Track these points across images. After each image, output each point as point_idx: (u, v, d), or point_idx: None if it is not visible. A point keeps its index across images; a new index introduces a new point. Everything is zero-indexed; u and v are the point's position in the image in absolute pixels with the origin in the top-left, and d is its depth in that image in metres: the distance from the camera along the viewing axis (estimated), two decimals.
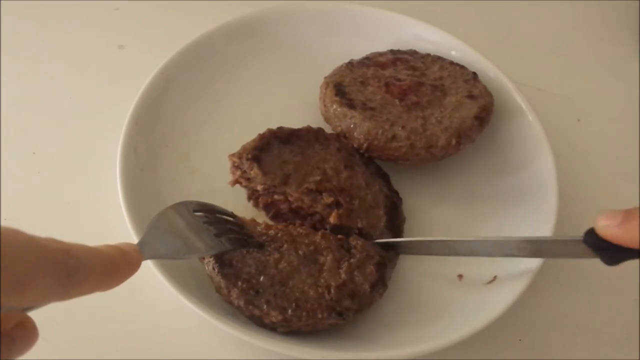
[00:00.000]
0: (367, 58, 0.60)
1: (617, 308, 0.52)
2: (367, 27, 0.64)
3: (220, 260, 0.45)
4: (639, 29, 0.74)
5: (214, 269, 0.45)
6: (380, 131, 0.52)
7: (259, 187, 0.50)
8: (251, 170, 0.49)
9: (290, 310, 0.43)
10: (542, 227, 0.50)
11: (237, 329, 0.43)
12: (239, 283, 0.44)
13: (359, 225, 0.49)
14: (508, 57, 0.65)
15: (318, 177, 0.50)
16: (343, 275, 0.46)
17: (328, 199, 0.49)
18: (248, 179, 0.50)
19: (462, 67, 0.59)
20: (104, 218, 0.52)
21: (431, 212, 0.55)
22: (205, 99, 0.60)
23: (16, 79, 0.63)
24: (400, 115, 0.53)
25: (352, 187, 0.51)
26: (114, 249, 0.32)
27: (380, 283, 0.47)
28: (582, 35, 0.75)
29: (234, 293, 0.44)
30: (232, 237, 0.45)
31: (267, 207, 0.51)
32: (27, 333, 0.31)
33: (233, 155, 0.50)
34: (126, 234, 0.47)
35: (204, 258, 0.45)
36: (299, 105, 0.57)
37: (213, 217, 0.46)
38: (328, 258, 0.46)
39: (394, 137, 0.52)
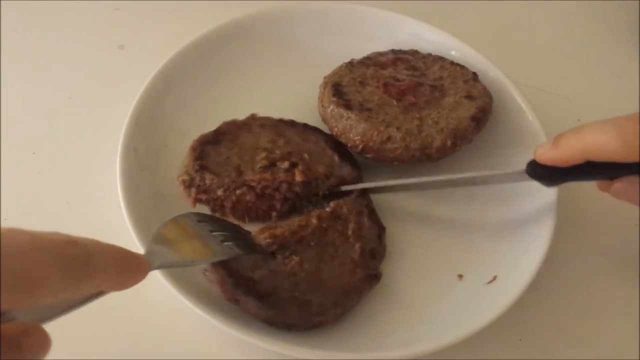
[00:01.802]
0: (368, 58, 0.60)
1: (617, 308, 0.52)
2: (368, 27, 0.64)
3: (254, 290, 0.44)
4: (639, 29, 0.74)
5: (258, 307, 0.44)
6: (376, 132, 0.52)
7: (220, 192, 0.50)
8: (205, 179, 0.50)
9: (344, 300, 0.45)
10: (542, 227, 0.50)
11: (237, 329, 0.43)
12: (289, 305, 0.44)
13: (321, 170, 0.52)
14: (508, 57, 0.65)
15: (264, 154, 0.52)
16: (356, 245, 0.48)
17: (284, 165, 0.51)
18: (205, 191, 0.50)
19: (462, 67, 0.59)
20: (104, 218, 0.52)
21: (429, 212, 0.55)
22: (206, 99, 0.60)
23: (16, 79, 0.63)
24: (397, 116, 0.53)
25: (295, 146, 0.53)
26: (122, 248, 0.31)
27: (380, 228, 0.50)
28: (582, 35, 0.75)
29: (291, 316, 0.44)
30: (240, 243, 0.45)
31: (234, 209, 0.51)
32: (35, 341, 0.29)
33: (181, 176, 0.50)
34: (126, 234, 0.47)
35: (233, 299, 0.45)
36: (299, 106, 0.57)
37: (218, 225, 0.46)
38: (334, 235, 0.48)
39: (389, 139, 0.52)
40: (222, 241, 0.44)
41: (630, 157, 0.37)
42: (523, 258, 0.49)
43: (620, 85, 0.69)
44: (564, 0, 0.78)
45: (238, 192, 0.50)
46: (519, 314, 0.47)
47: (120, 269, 0.30)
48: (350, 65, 0.59)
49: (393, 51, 0.61)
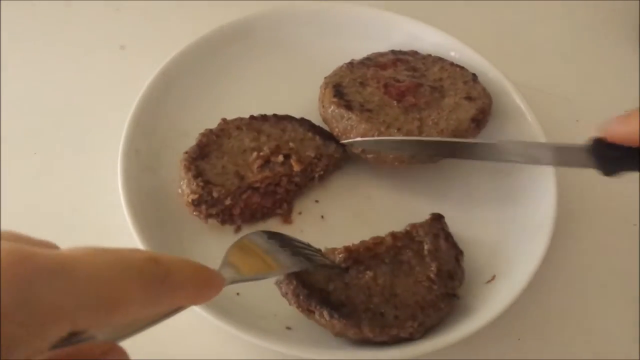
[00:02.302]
0: (368, 58, 0.60)
1: (617, 308, 0.53)
2: (368, 28, 0.64)
3: (327, 301, 0.44)
4: (639, 29, 0.74)
5: (331, 316, 0.43)
6: (376, 133, 0.52)
7: (228, 201, 0.50)
8: (212, 193, 0.49)
9: (420, 314, 0.44)
10: (542, 227, 0.50)
11: (237, 328, 0.43)
12: (362, 316, 0.44)
13: (311, 154, 0.53)
14: (507, 58, 0.65)
15: (255, 153, 0.52)
16: (432, 264, 0.47)
17: (279, 158, 0.52)
18: (214, 204, 0.50)
19: (462, 68, 0.59)
20: (106, 219, 0.52)
21: (429, 212, 0.55)
22: (206, 99, 0.60)
23: (17, 80, 0.63)
24: (397, 117, 0.53)
25: (277, 138, 0.54)
26: (199, 264, 0.31)
27: (458, 252, 0.49)
28: (582, 36, 0.75)
29: (364, 327, 0.43)
30: (309, 256, 0.45)
31: (242, 214, 0.52)
32: (117, 356, 0.30)
33: (188, 197, 0.49)
34: (128, 234, 0.47)
35: (307, 309, 0.44)
36: (299, 106, 0.57)
37: (286, 242, 0.46)
38: (409, 254, 0.48)
39: None
40: (292, 254, 0.44)
41: None
42: (522, 258, 0.49)
43: (620, 86, 0.69)
44: (563, 0, 0.78)
45: (244, 196, 0.50)
46: (518, 313, 0.48)
47: (198, 284, 0.30)
48: (351, 65, 0.59)
49: (393, 52, 0.61)
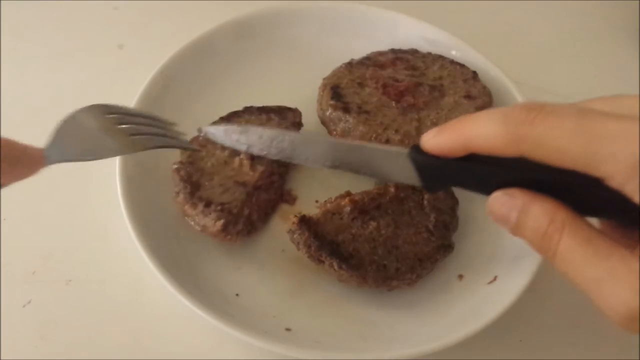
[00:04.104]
0: (367, 58, 0.60)
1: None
2: (368, 27, 0.64)
3: (337, 252, 0.46)
4: (639, 29, 0.74)
5: (340, 267, 0.46)
6: (374, 135, 0.52)
7: (246, 210, 0.49)
8: (232, 212, 0.48)
9: (418, 266, 0.47)
10: None
11: (236, 329, 0.43)
12: (368, 268, 0.46)
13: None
14: (508, 57, 0.64)
15: (236, 158, 0.51)
16: (431, 215, 0.49)
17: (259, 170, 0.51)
18: (237, 222, 0.48)
19: (462, 66, 0.59)
20: (104, 217, 0.52)
21: None
22: (205, 98, 0.60)
23: (15, 79, 0.63)
24: (395, 118, 0.53)
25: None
26: (9, 140, 0.33)
27: (454, 201, 0.51)
28: (582, 35, 0.75)
29: (369, 279, 0.46)
30: (150, 136, 0.43)
31: (259, 217, 0.51)
32: None
33: (221, 231, 0.48)
34: (126, 233, 0.47)
35: (317, 259, 0.46)
36: (298, 107, 0.57)
37: (129, 118, 0.43)
38: (410, 205, 0.50)
39: (387, 141, 0.52)
40: (131, 134, 0.42)
41: (510, 148, 0.32)
42: (523, 258, 0.48)
43: (620, 86, 0.69)
44: (564, 0, 0.78)
45: (254, 199, 0.50)
46: (520, 314, 0.47)
47: (7, 160, 0.32)
48: (350, 65, 0.58)
49: (393, 50, 0.60)
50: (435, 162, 0.36)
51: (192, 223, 0.49)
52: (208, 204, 0.48)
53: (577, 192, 0.31)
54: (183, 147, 0.46)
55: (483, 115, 0.33)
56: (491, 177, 0.35)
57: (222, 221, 0.47)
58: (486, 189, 0.35)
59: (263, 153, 0.47)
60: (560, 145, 0.30)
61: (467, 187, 0.38)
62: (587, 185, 0.30)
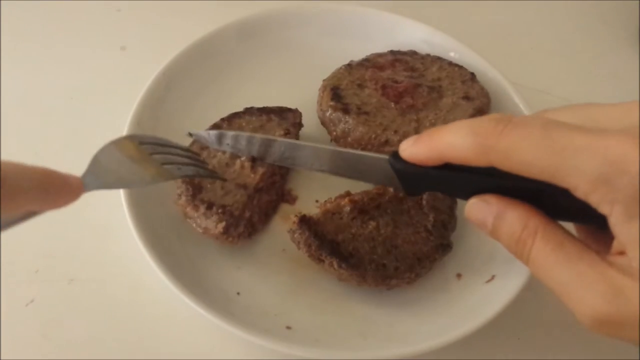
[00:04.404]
0: (367, 59, 0.60)
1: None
2: (367, 29, 0.64)
3: (337, 251, 0.47)
4: (639, 29, 0.74)
5: (340, 266, 0.46)
6: (373, 136, 0.52)
7: (247, 213, 0.49)
8: (233, 214, 0.48)
9: (417, 265, 0.47)
10: None
11: (237, 327, 0.43)
12: (367, 267, 0.46)
13: (280, 132, 0.54)
14: (507, 58, 0.65)
15: (237, 160, 0.51)
16: (430, 215, 0.50)
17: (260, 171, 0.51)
18: (238, 224, 0.49)
19: (460, 67, 0.59)
20: (106, 217, 0.52)
21: None
22: (206, 99, 0.60)
23: (17, 80, 0.63)
24: (394, 119, 0.54)
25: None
26: (49, 170, 0.34)
27: (452, 201, 0.51)
28: (582, 36, 0.75)
29: (368, 278, 0.46)
30: (181, 166, 0.45)
31: (260, 217, 0.51)
32: None
33: (222, 233, 0.48)
34: (128, 232, 0.47)
35: (317, 258, 0.47)
36: (298, 107, 0.57)
37: (161, 148, 0.46)
38: (409, 204, 0.50)
39: (386, 142, 0.52)
40: (163, 163, 0.44)
41: (479, 159, 0.32)
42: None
43: (620, 86, 0.69)
44: (563, 0, 0.78)
45: (255, 201, 0.50)
46: (518, 312, 0.47)
47: (44, 189, 0.33)
48: (349, 67, 0.59)
49: (392, 52, 0.61)
50: (413, 170, 0.37)
51: (194, 225, 0.49)
52: (210, 207, 0.48)
53: (549, 199, 0.32)
54: (209, 176, 0.48)
55: (454, 126, 0.34)
56: (467, 184, 0.35)
57: (223, 223, 0.48)
58: (464, 194, 0.36)
59: (257, 157, 0.49)
60: (526, 157, 0.31)
61: (446, 192, 0.39)
62: (557, 194, 0.31)
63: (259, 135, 0.50)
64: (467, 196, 0.36)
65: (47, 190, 0.33)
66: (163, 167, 0.44)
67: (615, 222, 0.29)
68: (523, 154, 0.31)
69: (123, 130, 0.53)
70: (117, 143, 0.43)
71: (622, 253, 0.30)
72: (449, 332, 0.45)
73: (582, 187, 0.30)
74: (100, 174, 0.39)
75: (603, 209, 0.29)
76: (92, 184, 0.37)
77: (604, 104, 0.33)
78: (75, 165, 0.58)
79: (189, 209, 0.49)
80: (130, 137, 0.45)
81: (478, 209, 0.36)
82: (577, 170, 0.29)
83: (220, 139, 0.51)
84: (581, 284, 0.31)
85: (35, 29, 0.69)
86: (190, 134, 0.53)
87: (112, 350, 0.47)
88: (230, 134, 0.51)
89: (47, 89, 0.63)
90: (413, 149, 0.37)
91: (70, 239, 0.53)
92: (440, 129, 0.35)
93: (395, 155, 0.38)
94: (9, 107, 0.61)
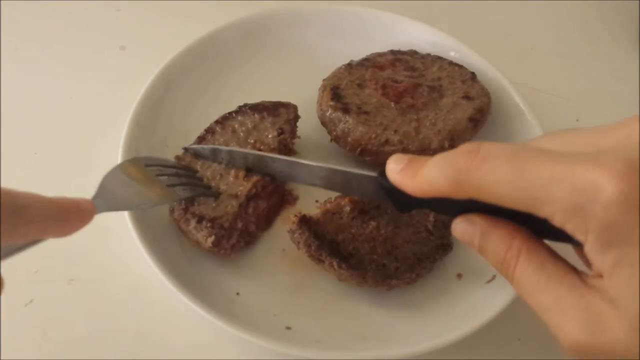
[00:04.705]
0: (367, 59, 0.60)
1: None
2: (367, 28, 0.64)
3: (337, 252, 0.47)
4: (639, 29, 0.74)
5: (340, 267, 0.46)
6: (373, 135, 0.52)
7: (239, 223, 0.49)
8: (223, 226, 0.48)
9: (417, 266, 0.47)
10: None
11: (237, 328, 0.43)
12: (367, 267, 0.46)
13: (273, 133, 0.53)
14: (507, 58, 0.65)
15: (232, 170, 0.51)
16: (430, 215, 0.50)
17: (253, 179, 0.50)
18: (230, 235, 0.48)
19: (460, 67, 0.59)
20: (105, 216, 0.52)
21: None
22: (206, 99, 0.60)
23: (17, 80, 0.63)
24: (394, 119, 0.53)
25: (237, 141, 0.53)
26: (63, 198, 0.35)
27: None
28: (582, 36, 0.75)
29: (369, 278, 0.46)
30: (186, 187, 0.47)
31: (259, 225, 0.51)
32: None
33: (212, 246, 0.47)
34: (127, 232, 0.47)
35: (317, 258, 0.47)
36: (298, 107, 0.57)
37: (165, 169, 0.48)
38: None
39: (386, 142, 0.52)
40: (168, 185, 0.46)
41: (456, 193, 0.32)
42: None
43: (620, 86, 0.69)
44: (563, 0, 0.78)
45: (250, 209, 0.50)
46: (518, 313, 0.47)
47: (60, 219, 0.34)
48: (349, 67, 0.59)
49: (392, 52, 0.61)
50: (400, 190, 0.37)
51: (187, 238, 0.49)
52: (200, 220, 0.47)
53: (533, 220, 0.31)
54: (209, 195, 0.49)
55: (434, 162, 0.34)
56: (452, 205, 0.35)
57: (212, 237, 0.47)
58: (452, 213, 0.37)
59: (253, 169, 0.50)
60: (498, 191, 0.31)
61: (435, 210, 0.41)
62: (538, 219, 0.30)
63: (253, 152, 0.50)
64: (453, 214, 0.37)
65: (64, 218, 0.35)
66: (168, 189, 0.46)
67: (590, 251, 0.29)
68: (494, 188, 0.31)
69: (122, 129, 0.52)
70: (123, 166, 0.45)
71: (602, 276, 0.29)
72: (449, 332, 0.44)
73: (557, 217, 0.29)
74: (108, 197, 0.41)
75: (578, 237, 0.29)
76: (102, 207, 0.39)
77: (584, 129, 0.32)
78: (74, 165, 0.58)
79: (181, 223, 0.48)
80: (136, 160, 0.47)
81: (463, 229, 0.36)
82: (549, 201, 0.29)
83: (214, 154, 0.51)
84: (560, 309, 0.30)
85: (35, 28, 0.69)
86: (186, 149, 0.52)
87: (112, 351, 0.47)
88: (224, 149, 0.51)
89: (47, 89, 0.63)
90: (398, 179, 0.36)
91: (69, 240, 0.52)
92: (422, 164, 0.34)
93: (383, 174, 0.38)
94: (8, 106, 0.61)
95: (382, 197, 0.40)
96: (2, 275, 0.34)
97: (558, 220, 0.29)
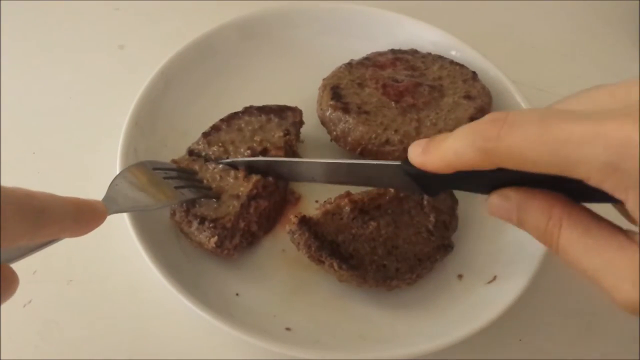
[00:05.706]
0: (367, 58, 0.60)
1: (617, 308, 0.52)
2: (368, 27, 0.64)
3: (337, 252, 0.46)
4: (639, 29, 0.74)
5: (340, 267, 0.46)
6: (374, 135, 0.52)
7: (241, 223, 0.49)
8: (225, 226, 0.47)
9: (418, 266, 0.47)
10: None
11: (236, 328, 0.43)
12: (368, 268, 0.46)
13: (279, 134, 0.53)
14: (508, 57, 0.65)
15: (233, 172, 0.51)
16: (431, 215, 0.49)
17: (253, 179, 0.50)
18: (233, 236, 0.48)
19: (461, 66, 0.59)
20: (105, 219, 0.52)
21: None
22: (205, 99, 0.60)
23: (16, 79, 0.63)
24: (395, 119, 0.53)
25: (243, 141, 0.53)
26: (78, 198, 0.36)
27: (453, 201, 0.51)
28: (582, 36, 0.75)
29: (369, 279, 0.46)
30: (192, 188, 0.48)
31: (261, 225, 0.51)
32: (5, 275, 0.33)
33: (216, 247, 0.47)
34: (126, 233, 0.47)
35: (317, 259, 0.47)
36: (298, 107, 0.57)
37: (172, 172, 0.49)
38: (410, 205, 0.50)
39: (387, 141, 0.52)
40: (176, 187, 0.47)
41: (485, 163, 0.32)
42: (523, 258, 0.49)
43: None
44: (563, 0, 0.78)
45: (252, 209, 0.49)
46: (519, 314, 0.47)
47: (77, 220, 0.35)
48: (349, 66, 0.59)
49: (392, 51, 0.61)
50: (427, 173, 0.36)
51: (190, 240, 0.49)
52: (202, 221, 0.47)
53: (569, 184, 0.30)
54: (212, 196, 0.49)
55: (457, 134, 0.33)
56: (484, 180, 0.35)
57: (215, 238, 0.47)
58: (484, 189, 0.36)
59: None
60: (529, 156, 0.30)
61: (465, 189, 0.39)
62: (573, 181, 0.30)
63: (278, 159, 0.51)
64: (488, 190, 0.35)
65: (80, 218, 0.35)
66: (175, 190, 0.47)
67: (633, 207, 0.28)
68: (526, 154, 0.30)
69: (121, 129, 0.52)
70: (131, 169, 0.46)
71: None
72: (450, 333, 0.44)
73: (593, 177, 0.29)
74: (118, 199, 0.42)
75: (618, 195, 0.28)
76: (112, 208, 0.40)
77: (608, 85, 0.32)
78: (73, 164, 0.58)
79: (183, 225, 0.48)
80: (142, 164, 0.48)
81: (499, 206, 0.35)
82: (584, 162, 0.28)
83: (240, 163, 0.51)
84: (612, 271, 0.30)
85: (35, 28, 0.69)
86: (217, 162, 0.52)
87: (111, 351, 0.47)
88: (239, 161, 0.51)
89: (46, 88, 0.63)
90: (423, 159, 0.36)
91: (68, 240, 0.52)
92: (445, 137, 0.34)
93: (407, 161, 0.38)
94: (7, 105, 0.60)
95: (409, 185, 0.39)
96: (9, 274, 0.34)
97: (595, 180, 0.29)
